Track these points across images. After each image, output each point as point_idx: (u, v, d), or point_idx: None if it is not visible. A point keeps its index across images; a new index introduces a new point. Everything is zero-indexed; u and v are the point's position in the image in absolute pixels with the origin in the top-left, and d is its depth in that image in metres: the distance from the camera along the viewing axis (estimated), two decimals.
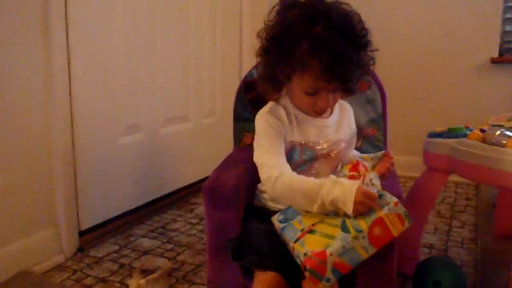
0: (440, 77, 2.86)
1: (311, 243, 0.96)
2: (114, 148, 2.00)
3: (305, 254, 0.94)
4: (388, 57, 2.84)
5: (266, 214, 1.15)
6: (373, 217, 0.95)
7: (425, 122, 2.67)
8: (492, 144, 1.28)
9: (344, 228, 0.96)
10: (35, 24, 1.57)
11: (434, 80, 2.87)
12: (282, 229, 1.03)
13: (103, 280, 1.59)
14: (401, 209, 0.96)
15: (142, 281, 1.52)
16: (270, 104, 1.19)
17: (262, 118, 1.16)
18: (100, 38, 1.88)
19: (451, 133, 1.48)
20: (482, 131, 1.39)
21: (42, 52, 1.60)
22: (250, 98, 1.47)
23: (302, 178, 1.07)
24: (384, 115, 1.48)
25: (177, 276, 1.62)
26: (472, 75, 2.78)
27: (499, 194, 1.86)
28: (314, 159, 1.16)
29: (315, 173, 1.16)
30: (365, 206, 0.96)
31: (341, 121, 1.22)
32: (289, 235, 1.01)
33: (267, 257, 1.04)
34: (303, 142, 1.15)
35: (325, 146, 1.17)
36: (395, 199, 0.97)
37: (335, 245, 0.94)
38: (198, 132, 2.57)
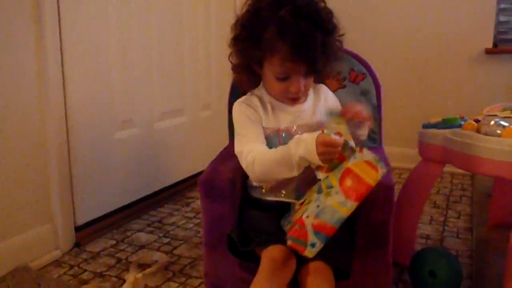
0: (435, 68, 2.85)
1: (294, 216, 0.97)
2: (109, 143, 1.99)
3: (289, 228, 0.95)
4: (383, 49, 2.84)
5: (262, 205, 1.16)
6: (342, 169, 0.94)
7: (420, 113, 2.67)
8: (486, 134, 1.29)
9: (319, 190, 0.96)
10: (28, 20, 1.56)
11: (428, 71, 2.87)
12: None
13: (100, 275, 1.59)
14: (368, 155, 0.94)
15: (139, 275, 1.52)
16: (246, 95, 1.21)
17: (235, 108, 1.19)
18: (94, 32, 1.87)
19: (445, 123, 1.49)
20: (477, 121, 1.39)
21: (36, 47, 1.59)
22: (244, 91, 1.47)
23: (271, 150, 1.10)
24: (379, 106, 1.48)
25: (174, 270, 1.63)
26: (467, 65, 2.78)
27: (494, 184, 1.86)
28: None
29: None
30: (329, 154, 0.98)
31: (316, 103, 1.21)
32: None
33: (274, 234, 1.05)
34: (278, 128, 1.15)
35: (300, 132, 1.14)
36: (360, 148, 0.96)
37: (310, 208, 0.93)
38: (193, 126, 2.56)
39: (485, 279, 1.52)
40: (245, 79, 1.20)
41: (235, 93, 1.48)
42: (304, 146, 1.01)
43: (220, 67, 2.75)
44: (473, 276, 1.55)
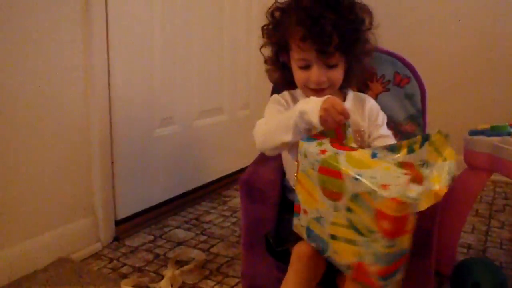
0: (483, 73, 2.76)
1: (342, 252, 0.92)
2: (149, 140, 2.02)
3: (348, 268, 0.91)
4: (429, 52, 2.76)
5: None
6: (371, 210, 0.82)
7: (466, 119, 2.59)
8: None
9: (355, 229, 0.87)
10: (76, 19, 1.60)
11: (476, 76, 2.78)
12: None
13: (139, 270, 1.62)
14: (391, 191, 0.80)
15: (177, 272, 1.54)
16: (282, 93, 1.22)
17: (268, 104, 1.21)
18: (138, 32, 1.90)
19: (494, 130, 1.44)
20: None
21: (83, 45, 1.63)
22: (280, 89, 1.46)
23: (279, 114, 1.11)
24: (423, 111, 1.44)
25: (211, 268, 1.64)
26: None
27: None
28: None
29: None
30: (329, 114, 0.94)
31: (355, 112, 1.16)
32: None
33: None
34: None
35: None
36: (378, 183, 0.82)
37: (366, 255, 0.86)
38: (232, 124, 2.57)
39: None
40: (277, 72, 1.21)
41: (277, 92, 1.48)
42: (312, 102, 0.98)
43: (259, 68, 2.73)
44: None
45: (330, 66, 1.10)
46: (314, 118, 0.96)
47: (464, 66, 2.80)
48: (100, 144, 1.74)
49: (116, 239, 1.84)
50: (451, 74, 2.83)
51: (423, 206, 0.80)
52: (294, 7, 1.11)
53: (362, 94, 1.23)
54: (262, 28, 1.19)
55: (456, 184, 1.56)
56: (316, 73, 1.09)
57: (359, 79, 1.25)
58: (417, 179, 0.82)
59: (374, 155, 0.89)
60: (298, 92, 1.20)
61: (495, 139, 1.40)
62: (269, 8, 1.17)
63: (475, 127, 1.55)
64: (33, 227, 1.55)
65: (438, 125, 2.82)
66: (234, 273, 1.60)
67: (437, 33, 2.81)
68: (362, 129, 1.15)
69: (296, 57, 1.12)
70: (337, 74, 1.12)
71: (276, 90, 1.47)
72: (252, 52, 2.67)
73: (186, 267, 1.58)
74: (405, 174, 0.83)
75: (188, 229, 1.97)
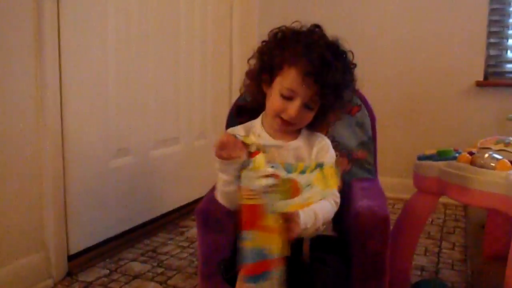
0: (428, 100, 2.90)
1: None
2: (104, 171, 1.99)
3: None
4: (376, 81, 2.88)
5: None
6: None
7: (414, 145, 2.71)
8: (481, 166, 1.30)
9: None
10: (27, 48, 1.58)
11: (421, 103, 2.92)
12: None
13: None
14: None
15: None
16: (239, 125, 1.23)
17: None
18: (92, 62, 1.89)
19: (440, 156, 1.50)
20: (471, 153, 1.41)
21: (34, 76, 1.61)
22: (241, 121, 1.48)
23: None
24: (374, 138, 1.50)
25: None
26: (459, 98, 2.83)
27: (488, 216, 1.87)
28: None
29: None
30: (222, 147, 1.00)
31: (303, 149, 1.18)
32: None
33: None
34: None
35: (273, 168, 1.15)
36: None
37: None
38: (188, 154, 2.57)
39: None
40: (254, 89, 1.21)
41: (232, 123, 1.50)
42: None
43: (215, 97, 2.78)
44: None
45: (308, 107, 1.11)
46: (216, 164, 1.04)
47: (409, 95, 2.94)
48: (52, 177, 1.69)
49: (69, 274, 1.78)
50: (399, 103, 2.96)
51: (275, 207, 0.91)
52: (303, 37, 1.11)
53: (316, 134, 1.22)
54: (262, 42, 1.18)
55: (406, 208, 1.61)
56: (296, 109, 1.09)
57: (326, 126, 1.27)
58: (295, 193, 0.96)
59: (272, 167, 0.99)
60: (257, 125, 1.20)
61: (441, 164, 1.45)
62: (274, 29, 1.16)
63: (423, 152, 1.62)
64: None
65: (388, 151, 2.93)
66: None
67: (383, 64, 2.94)
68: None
69: (284, 85, 1.10)
70: (310, 116, 1.14)
71: (232, 118, 1.50)
72: (207, 81, 2.71)
73: None
74: (274, 174, 0.95)
75: (145, 262, 1.93)
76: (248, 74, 1.21)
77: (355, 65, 1.16)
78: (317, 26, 1.15)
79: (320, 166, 1.00)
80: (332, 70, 1.06)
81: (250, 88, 1.22)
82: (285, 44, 1.12)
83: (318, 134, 1.22)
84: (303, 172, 1.00)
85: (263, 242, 0.90)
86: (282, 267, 0.93)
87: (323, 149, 1.19)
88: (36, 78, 1.61)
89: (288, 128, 1.16)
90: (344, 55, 1.13)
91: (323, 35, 1.13)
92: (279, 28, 1.17)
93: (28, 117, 1.61)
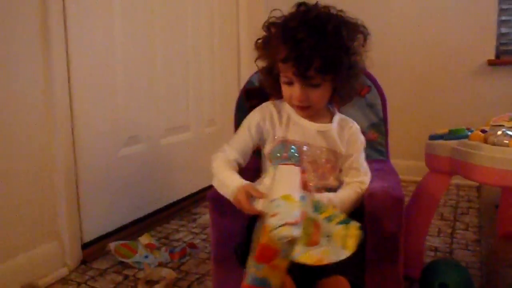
0: (439, 80, 2.87)
1: None
2: (115, 160, 2.00)
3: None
4: (387, 62, 2.85)
5: None
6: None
7: (426, 126, 2.67)
8: (494, 144, 1.29)
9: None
10: (34, 37, 1.58)
11: (433, 84, 2.88)
12: None
13: None
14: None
15: None
16: (267, 102, 1.25)
17: (253, 111, 1.24)
18: (100, 50, 1.89)
19: (452, 134, 1.49)
20: (483, 131, 1.39)
21: (42, 65, 1.61)
22: (251, 105, 1.47)
23: (225, 169, 1.16)
24: (385, 119, 1.48)
25: (182, 286, 1.61)
26: (471, 77, 2.80)
27: (502, 195, 1.86)
28: (299, 161, 1.16)
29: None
30: (239, 205, 1.06)
31: (332, 133, 1.20)
32: None
33: None
34: (287, 139, 1.18)
35: (307, 149, 1.17)
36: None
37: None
38: (198, 141, 2.57)
39: None
40: (268, 82, 1.23)
41: (241, 108, 1.49)
42: (230, 188, 1.09)
43: (224, 84, 2.77)
44: None
45: (313, 86, 1.11)
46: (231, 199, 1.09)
47: (421, 75, 2.90)
48: (63, 166, 1.70)
49: (84, 262, 1.80)
50: (410, 83, 2.93)
51: (290, 253, 0.88)
52: (283, 26, 1.12)
53: (346, 119, 1.25)
54: (256, 42, 1.20)
55: (419, 188, 1.60)
56: (297, 92, 1.12)
57: (346, 99, 1.26)
58: (314, 241, 0.91)
59: (302, 198, 0.94)
60: (284, 104, 1.22)
61: (453, 142, 1.44)
62: (265, 22, 1.18)
63: (435, 132, 1.60)
64: None
65: (400, 133, 2.91)
66: None
67: (394, 45, 2.90)
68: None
69: (281, 73, 1.14)
70: (319, 94, 1.14)
71: (242, 104, 1.49)
72: (216, 68, 2.69)
73: (156, 287, 1.55)
74: (300, 218, 0.89)
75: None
76: (260, 72, 1.25)
77: (347, 30, 1.11)
78: (301, 3, 1.14)
79: (346, 222, 0.95)
80: (304, 45, 1.05)
81: (266, 83, 1.24)
82: (270, 37, 1.15)
83: (349, 119, 1.25)
84: (329, 219, 0.95)
85: (269, 275, 0.91)
86: None
87: (354, 134, 1.22)
88: (43, 69, 1.61)
89: (306, 112, 1.18)
90: (325, 22, 1.09)
91: (304, 12, 1.12)
92: (268, 21, 1.17)
93: (37, 108, 1.61)
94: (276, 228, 0.85)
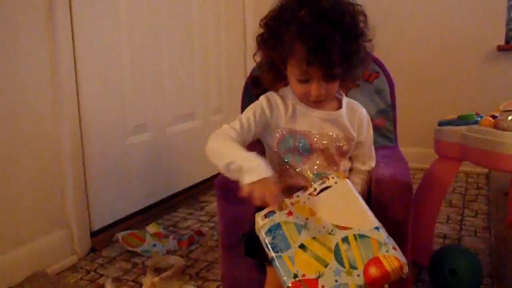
0: (448, 65, 2.84)
1: (301, 263, 0.90)
2: (122, 148, 2.00)
3: (295, 276, 0.88)
4: (396, 48, 2.83)
5: None
6: (369, 255, 0.89)
7: (434, 112, 2.65)
8: (504, 129, 1.27)
9: (337, 256, 0.90)
10: (40, 26, 1.58)
11: (442, 69, 2.86)
12: (272, 260, 0.92)
13: (117, 279, 1.59)
14: (399, 254, 0.90)
15: (156, 279, 1.52)
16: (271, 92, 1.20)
17: (259, 99, 1.18)
18: (106, 38, 1.88)
19: (461, 120, 1.47)
20: (493, 117, 1.37)
21: (48, 54, 1.61)
22: (257, 93, 1.46)
23: (234, 142, 1.10)
24: (393, 105, 1.47)
25: (191, 273, 1.62)
26: (480, 62, 2.77)
27: (511, 182, 1.84)
28: (309, 151, 1.14)
29: (310, 167, 1.14)
30: (254, 196, 0.96)
31: (343, 118, 1.17)
32: (282, 271, 0.91)
33: None
34: (295, 130, 1.14)
35: (317, 138, 1.14)
36: (393, 243, 0.92)
37: (328, 277, 0.88)
38: (205, 129, 2.56)
39: (506, 277, 1.50)
40: (269, 77, 1.18)
41: (248, 95, 1.49)
42: (256, 165, 0.99)
43: (230, 71, 2.76)
44: (493, 274, 1.53)
45: (330, 78, 1.07)
46: (243, 181, 0.98)
47: (429, 62, 2.88)
48: (71, 155, 1.71)
49: (93, 250, 1.81)
50: (419, 69, 2.90)
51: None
52: (292, 19, 1.03)
53: (354, 102, 1.22)
54: (256, 38, 1.13)
55: (427, 174, 1.59)
56: (317, 89, 1.07)
57: (352, 84, 1.25)
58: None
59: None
60: (288, 94, 1.17)
61: (463, 128, 1.43)
62: (264, 18, 1.11)
63: (444, 118, 1.58)
64: (5, 242, 1.51)
65: (409, 119, 2.90)
66: (214, 277, 1.59)
67: (403, 30, 2.87)
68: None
69: (296, 72, 1.07)
70: (335, 86, 1.11)
71: (248, 92, 1.48)
72: (222, 56, 2.68)
73: (165, 274, 1.56)
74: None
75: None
76: (260, 68, 1.20)
77: (361, 15, 1.07)
78: None
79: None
80: (330, 46, 0.99)
81: (267, 78, 1.19)
82: (278, 33, 1.06)
83: (356, 103, 1.22)
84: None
85: None
86: None
87: (362, 117, 1.20)
88: (50, 58, 1.61)
89: (321, 104, 1.15)
90: (343, 15, 1.03)
91: (314, 2, 1.03)
92: (266, 16, 1.10)
93: (45, 98, 1.61)
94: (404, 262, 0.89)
